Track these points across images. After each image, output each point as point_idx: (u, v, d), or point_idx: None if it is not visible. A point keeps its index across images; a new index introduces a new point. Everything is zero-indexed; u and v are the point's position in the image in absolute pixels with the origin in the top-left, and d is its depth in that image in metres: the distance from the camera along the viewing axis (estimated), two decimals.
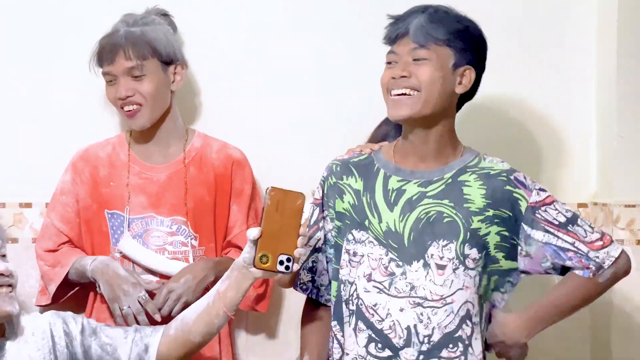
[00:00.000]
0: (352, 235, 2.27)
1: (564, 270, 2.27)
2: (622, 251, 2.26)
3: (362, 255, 2.25)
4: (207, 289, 2.52)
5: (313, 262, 2.36)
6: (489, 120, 2.96)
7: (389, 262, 2.22)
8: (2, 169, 2.87)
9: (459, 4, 2.83)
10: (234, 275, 2.20)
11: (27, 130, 2.89)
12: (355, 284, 2.25)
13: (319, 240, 2.34)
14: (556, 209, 2.23)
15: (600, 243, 2.24)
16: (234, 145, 2.77)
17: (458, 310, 2.20)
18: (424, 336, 2.19)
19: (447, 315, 2.20)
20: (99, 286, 2.56)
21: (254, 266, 2.12)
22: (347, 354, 2.26)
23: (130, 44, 2.60)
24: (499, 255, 2.23)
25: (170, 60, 2.66)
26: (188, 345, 2.25)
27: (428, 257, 2.20)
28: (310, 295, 2.38)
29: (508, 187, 2.22)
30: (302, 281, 2.37)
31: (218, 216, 2.71)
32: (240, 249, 2.67)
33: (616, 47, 2.86)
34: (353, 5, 2.91)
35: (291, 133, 2.91)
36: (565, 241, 2.23)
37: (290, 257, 2.11)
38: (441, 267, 2.20)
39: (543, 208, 2.22)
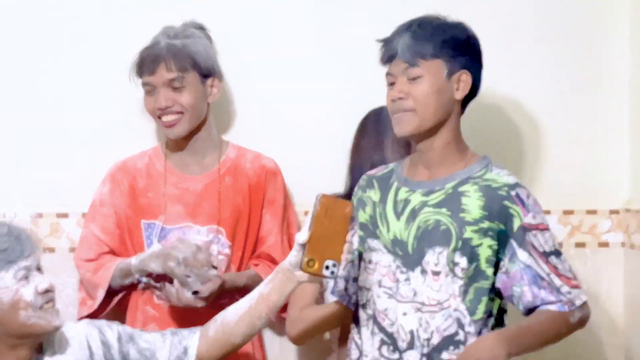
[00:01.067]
0: (368, 244, 2.33)
1: (529, 311, 2.25)
2: (586, 302, 2.26)
3: (376, 263, 2.31)
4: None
5: (347, 271, 2.40)
6: (520, 126, 2.95)
7: (396, 269, 2.27)
8: (39, 179, 2.90)
9: (487, 8, 2.88)
10: (278, 278, 2.21)
11: (62, 141, 2.92)
12: (372, 290, 2.31)
13: (353, 250, 2.39)
14: (544, 238, 2.23)
15: (575, 282, 2.24)
16: (267, 155, 2.79)
17: (445, 320, 2.24)
18: (424, 339, 2.24)
19: (446, 319, 2.24)
20: (148, 269, 2.58)
21: (301, 269, 2.13)
22: (366, 356, 2.32)
23: (172, 55, 2.63)
24: (489, 271, 2.23)
25: (208, 73, 2.68)
26: (228, 347, 2.26)
27: (425, 263, 2.24)
28: (343, 301, 2.43)
29: (506, 202, 2.22)
30: (339, 288, 2.42)
31: (251, 225, 2.74)
32: (273, 260, 2.71)
33: None
34: (381, 14, 2.89)
35: (323, 142, 2.92)
36: (543, 270, 2.22)
37: (336, 263, 2.13)
38: (436, 274, 2.24)
39: (534, 232, 2.22)
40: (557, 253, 2.24)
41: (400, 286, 2.26)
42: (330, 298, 2.52)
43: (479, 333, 2.23)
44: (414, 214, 2.27)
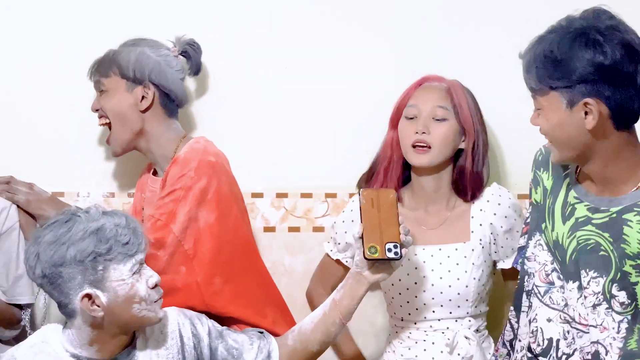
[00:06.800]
0: (537, 232, 2.29)
1: None
2: None
3: (534, 254, 2.28)
4: None
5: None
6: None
7: (552, 271, 2.23)
8: (112, 159, 2.90)
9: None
10: (348, 283, 2.31)
11: None
12: (534, 278, 2.28)
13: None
14: None
15: None
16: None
17: (590, 345, 2.16)
18: (564, 353, 2.19)
19: (590, 344, 2.15)
20: None
21: (365, 258, 2.24)
22: (520, 340, 2.33)
23: (100, 60, 2.68)
24: None
25: (137, 80, 2.65)
26: (306, 355, 2.34)
27: (582, 281, 2.15)
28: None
29: None
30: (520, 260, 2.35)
31: None
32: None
33: None
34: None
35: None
36: None
37: (397, 244, 2.24)
38: (594, 298, 2.14)
39: None
40: None
41: (553, 291, 2.21)
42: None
43: None
44: (576, 225, 2.17)
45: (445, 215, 2.63)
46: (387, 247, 2.23)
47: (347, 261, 2.70)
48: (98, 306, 2.12)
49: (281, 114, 2.93)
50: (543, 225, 2.25)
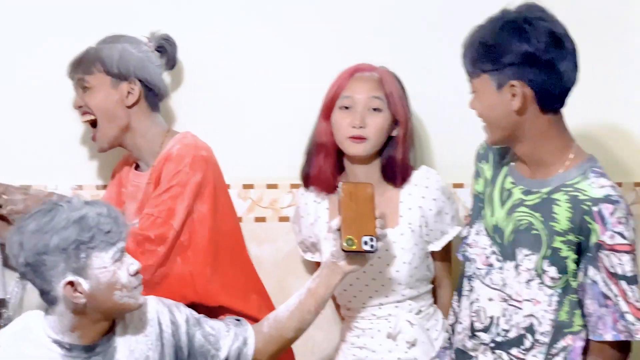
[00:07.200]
0: (477, 220, 2.40)
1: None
2: None
3: (477, 241, 2.40)
4: None
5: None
6: None
7: (491, 254, 2.34)
8: (79, 152, 2.94)
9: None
10: (324, 272, 2.38)
11: None
12: (476, 263, 2.39)
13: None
14: (619, 260, 2.18)
15: None
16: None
17: (524, 319, 2.29)
18: (503, 329, 2.31)
19: (524, 319, 2.29)
20: None
21: (342, 250, 2.31)
22: (461, 323, 2.43)
23: (80, 58, 2.68)
24: (575, 284, 2.24)
25: (122, 76, 2.66)
26: (281, 341, 2.40)
27: (517, 260, 2.28)
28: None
29: (586, 217, 2.19)
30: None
31: None
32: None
33: None
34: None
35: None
36: (610, 290, 2.19)
37: (373, 237, 2.30)
38: (527, 275, 2.28)
39: (607, 252, 2.18)
40: (632, 280, 2.19)
41: (493, 272, 2.33)
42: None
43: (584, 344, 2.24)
44: (512, 208, 2.30)
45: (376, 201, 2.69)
46: (363, 240, 2.29)
47: (312, 258, 2.77)
48: (80, 293, 2.16)
49: (248, 106, 2.98)
50: (483, 212, 2.37)
